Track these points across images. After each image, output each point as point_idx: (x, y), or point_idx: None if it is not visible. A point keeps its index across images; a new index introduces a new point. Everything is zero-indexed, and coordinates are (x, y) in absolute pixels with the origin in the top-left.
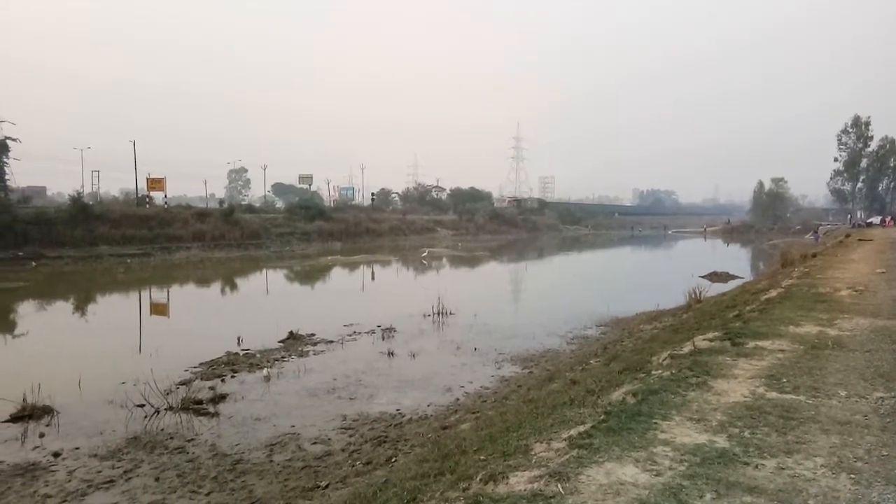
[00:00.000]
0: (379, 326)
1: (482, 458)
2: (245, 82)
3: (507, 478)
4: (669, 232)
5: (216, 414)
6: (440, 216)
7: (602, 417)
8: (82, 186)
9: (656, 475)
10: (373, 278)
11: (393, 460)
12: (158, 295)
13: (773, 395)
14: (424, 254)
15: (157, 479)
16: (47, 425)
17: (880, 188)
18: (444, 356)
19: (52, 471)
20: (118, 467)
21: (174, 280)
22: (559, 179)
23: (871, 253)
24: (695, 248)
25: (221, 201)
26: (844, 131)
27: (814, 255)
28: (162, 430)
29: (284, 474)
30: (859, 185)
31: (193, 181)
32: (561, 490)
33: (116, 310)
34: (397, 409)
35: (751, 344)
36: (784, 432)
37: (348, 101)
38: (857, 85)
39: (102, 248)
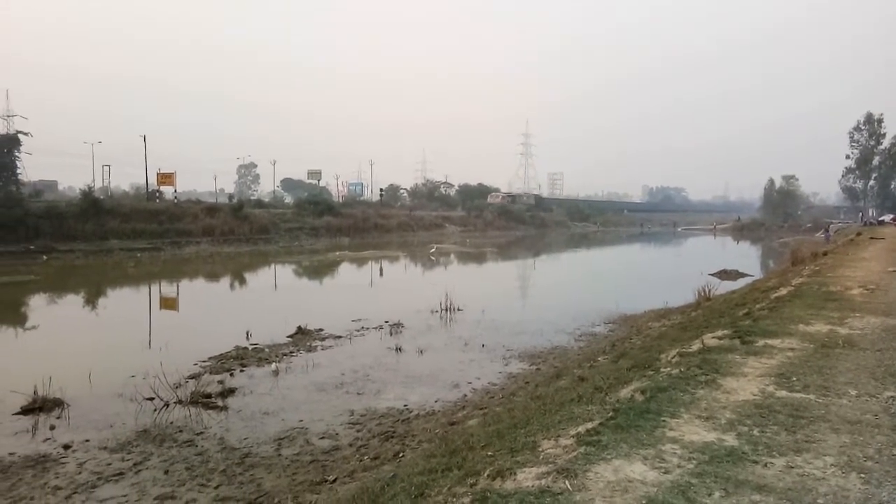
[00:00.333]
0: (387, 322)
1: (490, 453)
2: (254, 83)
3: (515, 474)
4: (679, 229)
5: (225, 408)
6: (448, 212)
7: (610, 414)
8: (93, 181)
9: (665, 473)
10: (381, 274)
11: (400, 455)
12: (168, 289)
13: (783, 393)
14: (432, 250)
15: (166, 472)
16: (58, 418)
17: (892, 186)
18: (451, 352)
19: (63, 463)
20: (128, 460)
21: (184, 274)
22: (568, 176)
23: (882, 251)
24: (704, 245)
25: (231, 196)
26: (857, 128)
27: (825, 254)
28: (171, 423)
29: (293, 468)
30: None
31: (203, 176)
32: (569, 487)
33: (126, 304)
34: (405, 405)
35: (760, 342)
36: (793, 431)
37: (357, 101)
38: (866, 81)
39: (113, 242)
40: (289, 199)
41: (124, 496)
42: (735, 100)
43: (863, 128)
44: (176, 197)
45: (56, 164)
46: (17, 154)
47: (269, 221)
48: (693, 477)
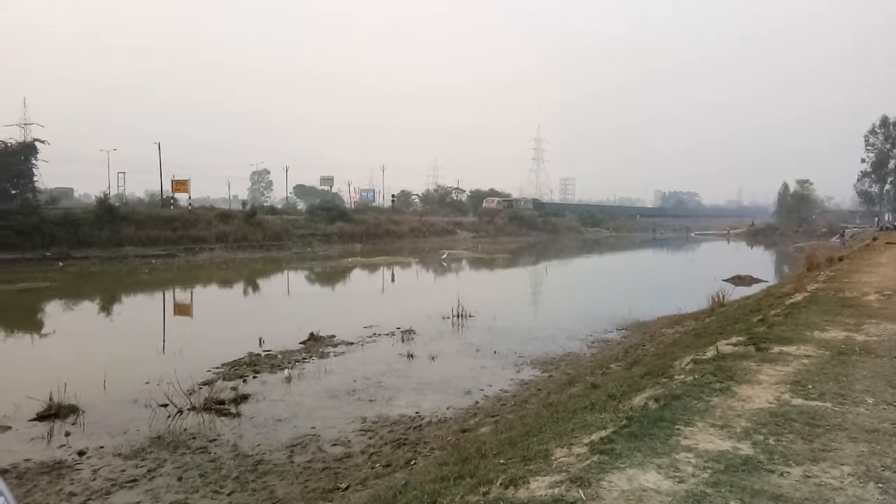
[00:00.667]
0: (398, 328)
1: (502, 462)
2: (268, 92)
3: (528, 482)
4: (692, 234)
5: (238, 414)
6: (460, 218)
7: (624, 423)
8: (108, 188)
9: (679, 482)
10: (392, 280)
11: (412, 463)
12: (182, 296)
13: (799, 401)
14: (444, 256)
15: (179, 479)
16: (73, 424)
17: None
18: (463, 359)
19: (78, 469)
20: (142, 466)
21: (197, 281)
22: (580, 181)
23: None
24: (718, 250)
25: (244, 203)
26: (872, 132)
27: (840, 259)
28: (185, 429)
29: (305, 475)
30: (887, 186)
31: (217, 183)
32: (582, 496)
33: (141, 310)
34: (416, 412)
35: (776, 349)
36: (810, 440)
37: (369, 109)
38: (886, 78)
39: (128, 248)
40: (301, 206)
41: (138, 503)
42: (748, 101)
43: (878, 131)
44: (190, 204)
45: (72, 172)
46: (34, 162)
47: (281, 228)
48: (708, 486)
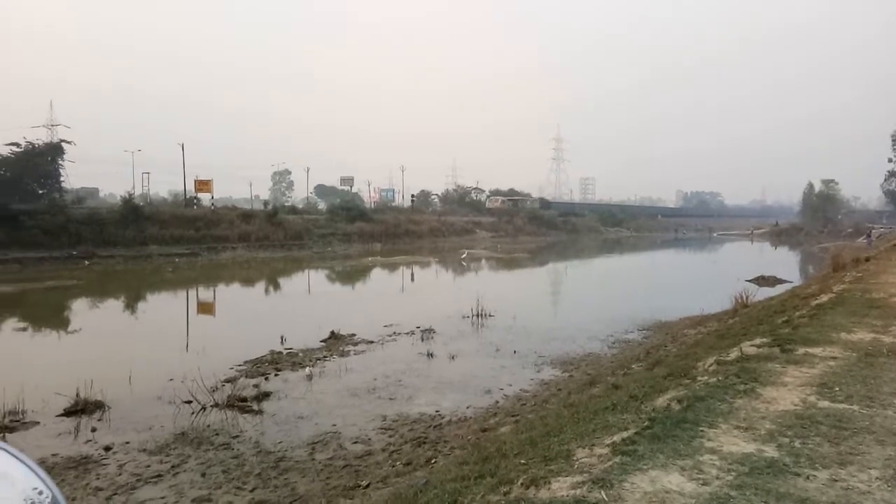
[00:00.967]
0: (418, 327)
1: (523, 462)
2: (291, 95)
3: (549, 483)
4: (714, 234)
5: (260, 411)
6: (479, 218)
7: (646, 424)
8: (133, 188)
9: (703, 484)
10: (412, 279)
11: (433, 461)
12: (205, 294)
13: (825, 403)
14: (463, 255)
15: (203, 475)
16: (99, 420)
17: None
18: (483, 358)
19: (104, 464)
20: (166, 462)
21: (220, 279)
22: (600, 180)
23: None
24: (741, 251)
25: (266, 203)
26: None
27: (867, 259)
28: (208, 426)
29: (326, 472)
30: None
31: (239, 183)
32: (605, 497)
33: (165, 308)
34: (437, 411)
35: (801, 350)
36: (837, 443)
37: (390, 110)
38: None
39: (152, 247)
40: (322, 206)
41: (163, 498)
42: (771, 97)
43: None
44: (213, 203)
45: (97, 172)
46: (60, 162)
47: (302, 227)
48: (733, 489)
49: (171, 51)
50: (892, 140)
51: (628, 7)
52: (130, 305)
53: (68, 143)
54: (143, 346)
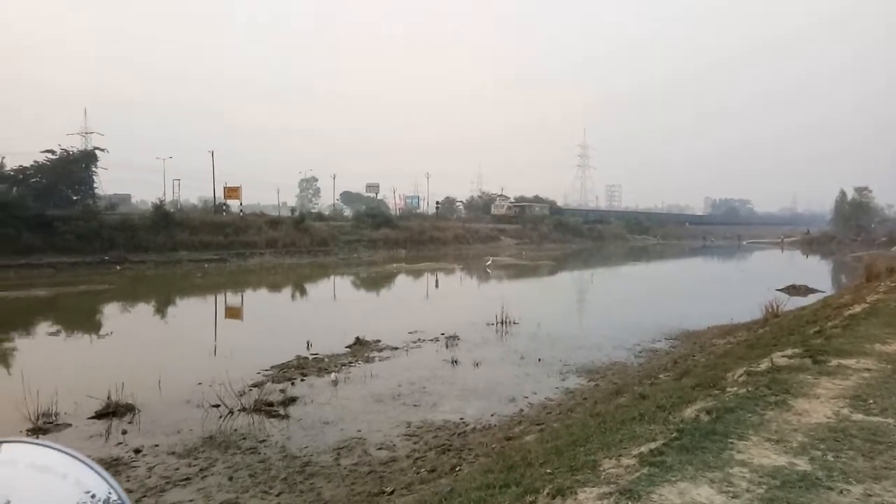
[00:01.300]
0: (443, 334)
1: (548, 471)
2: (317, 106)
3: (576, 493)
4: (744, 242)
5: (286, 416)
6: (504, 225)
7: (674, 435)
8: (164, 194)
9: (733, 497)
10: (436, 286)
11: (457, 469)
12: (233, 299)
13: (859, 416)
14: (488, 262)
15: (230, 479)
16: (129, 422)
17: None
18: (507, 366)
19: (134, 466)
20: (194, 465)
21: (248, 285)
22: (626, 188)
23: None
24: (771, 259)
25: (293, 209)
26: None
27: None
28: (235, 430)
29: (351, 478)
30: None
31: (267, 190)
32: None
33: (194, 313)
34: (461, 418)
35: (834, 362)
36: (871, 457)
37: (415, 118)
38: None
39: (182, 253)
40: (348, 212)
41: (191, 501)
42: (802, 97)
43: None
44: (241, 210)
45: (130, 179)
46: (94, 169)
47: (328, 234)
48: (763, 502)
49: (207, 69)
50: None
51: (657, 5)
52: (161, 310)
53: (102, 150)
54: (172, 351)
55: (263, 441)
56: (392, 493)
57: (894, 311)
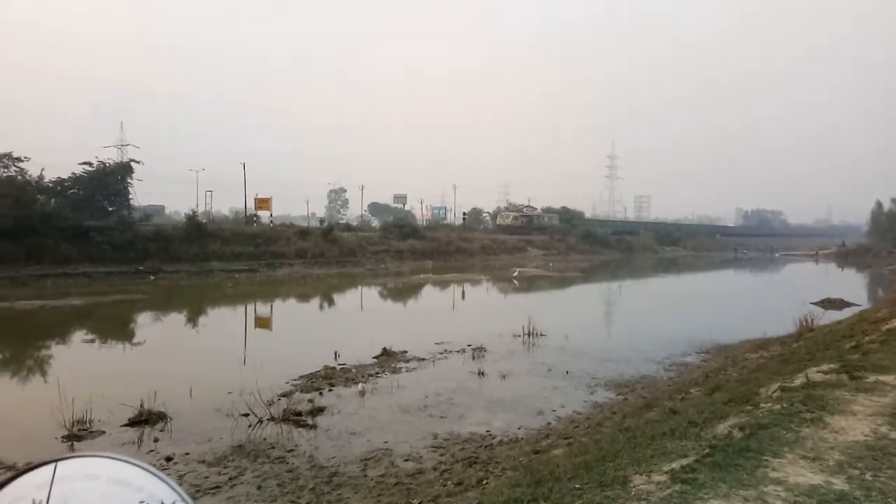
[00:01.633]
0: (469, 345)
1: (577, 486)
2: (350, 125)
3: None
4: (777, 254)
5: (314, 426)
6: (531, 236)
7: (706, 451)
8: (197, 205)
9: None
10: (463, 297)
11: (484, 482)
12: (263, 309)
13: None
14: (515, 273)
15: (259, 488)
16: (161, 430)
17: None
18: (534, 378)
19: (166, 474)
20: (224, 474)
21: (277, 295)
22: (655, 198)
23: None
24: (805, 272)
25: (322, 220)
26: None
27: None
28: (264, 439)
29: (378, 489)
30: None
31: (296, 201)
32: None
33: (225, 322)
34: (487, 431)
35: (871, 378)
36: None
37: (442, 130)
38: None
39: (214, 263)
40: (375, 223)
41: None
42: (836, 107)
43: None
44: (272, 221)
45: (164, 191)
46: (129, 181)
47: (356, 244)
48: None
49: (243, 99)
50: None
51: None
52: (192, 319)
53: (137, 162)
54: (203, 359)
55: (292, 451)
56: None
57: None
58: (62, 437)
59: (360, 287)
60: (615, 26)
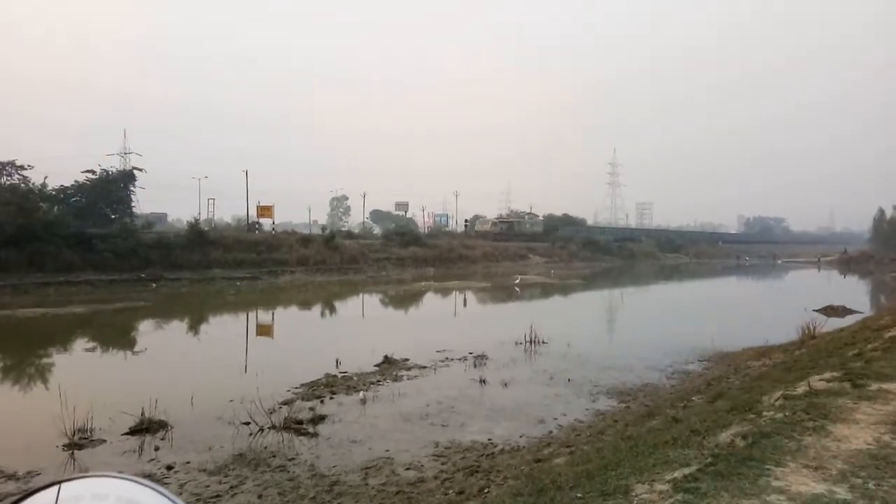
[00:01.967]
0: (471, 353)
1: (579, 495)
2: (353, 140)
3: None
4: (779, 261)
5: (315, 434)
6: (533, 243)
7: (709, 460)
8: (199, 213)
9: None
10: (465, 304)
11: (486, 491)
12: (264, 317)
13: None
14: (517, 281)
15: (259, 497)
16: (162, 439)
17: None
18: (536, 386)
19: (166, 483)
20: (224, 483)
21: (279, 303)
22: (657, 205)
23: None
24: (807, 279)
25: (324, 228)
26: None
27: None
28: (265, 448)
29: (379, 498)
30: None
31: (298, 209)
32: None
33: (226, 330)
34: (489, 439)
35: (874, 386)
36: None
37: (442, 138)
38: None
39: (216, 271)
40: (377, 231)
41: None
42: (839, 112)
43: None
44: (274, 228)
45: (166, 199)
46: (132, 188)
47: (358, 252)
48: None
49: (244, 109)
50: None
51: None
52: (194, 327)
53: (140, 170)
54: (204, 367)
55: (293, 459)
56: None
57: None
58: (63, 446)
59: (361, 294)
60: (616, 34)
